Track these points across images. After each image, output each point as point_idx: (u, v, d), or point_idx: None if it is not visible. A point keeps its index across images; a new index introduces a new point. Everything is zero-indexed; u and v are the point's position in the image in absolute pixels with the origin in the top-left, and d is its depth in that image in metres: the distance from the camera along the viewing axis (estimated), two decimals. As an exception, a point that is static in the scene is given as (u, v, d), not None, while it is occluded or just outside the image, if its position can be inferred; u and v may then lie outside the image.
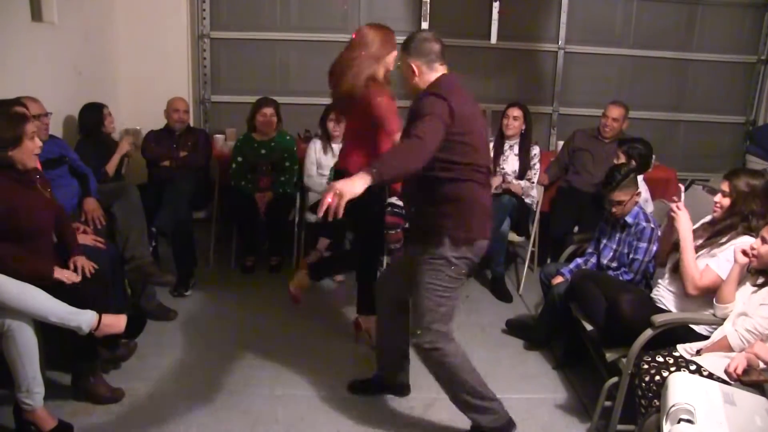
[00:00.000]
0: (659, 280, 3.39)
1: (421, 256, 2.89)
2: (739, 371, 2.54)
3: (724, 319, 2.91)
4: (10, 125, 3.00)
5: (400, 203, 4.80)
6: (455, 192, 2.82)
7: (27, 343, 2.82)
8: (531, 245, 5.04)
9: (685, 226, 3.15)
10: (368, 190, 2.59)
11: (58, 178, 3.85)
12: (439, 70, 2.90)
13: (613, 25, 5.99)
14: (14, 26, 4.13)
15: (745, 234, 3.07)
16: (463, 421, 3.16)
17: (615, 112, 5.02)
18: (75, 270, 3.20)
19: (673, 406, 2.32)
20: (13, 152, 3.00)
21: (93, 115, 4.55)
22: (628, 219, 3.72)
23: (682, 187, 3.27)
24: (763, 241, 2.79)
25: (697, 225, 3.32)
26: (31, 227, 3.08)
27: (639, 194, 3.72)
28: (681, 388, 2.42)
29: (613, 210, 3.73)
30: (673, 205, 3.22)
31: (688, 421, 2.26)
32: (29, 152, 3.06)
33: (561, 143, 5.61)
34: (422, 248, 2.89)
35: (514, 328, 4.24)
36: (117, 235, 3.99)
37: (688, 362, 2.78)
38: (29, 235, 3.06)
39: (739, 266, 2.88)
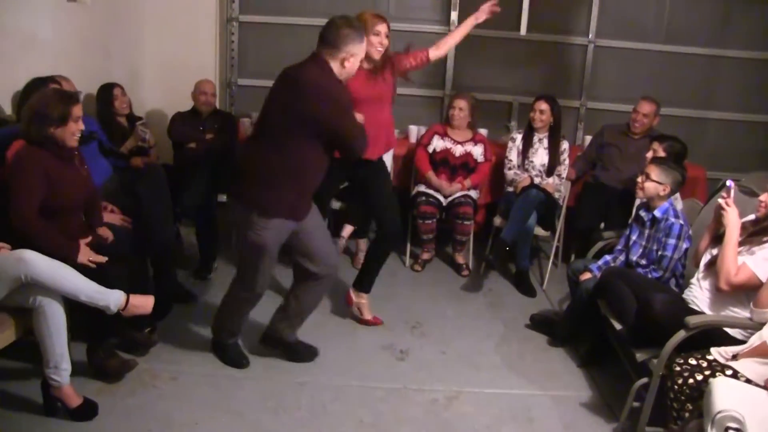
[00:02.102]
0: (692, 279, 3.34)
1: None
2: None
3: (761, 324, 2.84)
4: (60, 104, 3.03)
5: (432, 192, 4.80)
6: None
7: (57, 319, 2.83)
8: (556, 240, 4.99)
9: (734, 221, 3.08)
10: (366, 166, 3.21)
11: (88, 155, 3.83)
12: None
13: (645, 19, 5.87)
14: (47, 4, 4.13)
15: (788, 235, 3.01)
16: (488, 414, 3.15)
17: (646, 107, 4.95)
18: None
19: (720, 412, 2.28)
20: (56, 131, 3.03)
21: (103, 95, 4.48)
22: (657, 214, 3.67)
23: (733, 184, 3.19)
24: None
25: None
26: (66, 203, 3.13)
27: (665, 190, 3.66)
28: (727, 394, 2.37)
29: (638, 180, 3.74)
30: (722, 201, 3.15)
31: (737, 430, 2.21)
32: (71, 133, 3.09)
33: (588, 138, 5.56)
34: None
35: (537, 323, 4.20)
36: (142, 215, 3.97)
37: (723, 366, 2.72)
38: (63, 211, 3.10)
39: (781, 270, 2.82)
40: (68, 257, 2.98)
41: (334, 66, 3.06)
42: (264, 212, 3.09)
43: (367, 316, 4.09)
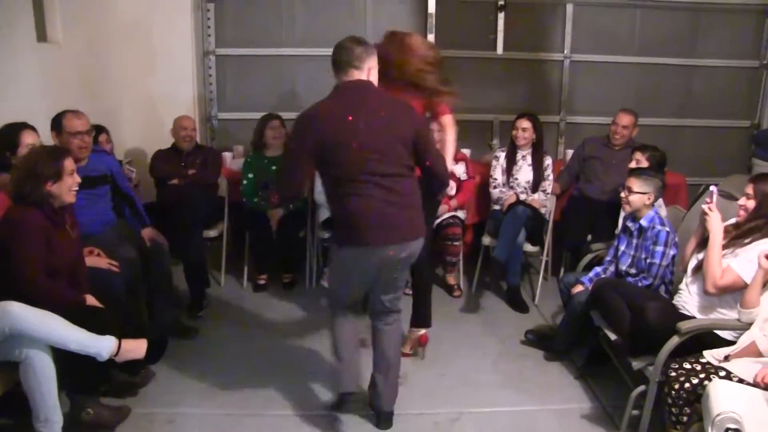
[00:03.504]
0: (680, 284, 3.38)
1: None
2: (767, 381, 2.52)
3: (750, 324, 2.89)
4: (51, 160, 3.02)
5: (461, 215, 4.85)
6: None
7: (46, 371, 2.79)
8: (545, 255, 5.01)
9: (717, 225, 3.16)
10: None
11: (95, 197, 3.85)
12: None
13: (618, 33, 5.98)
14: (20, 47, 4.13)
15: (769, 237, 3.07)
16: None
17: (625, 119, 5.02)
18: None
19: (719, 415, 2.31)
20: (52, 187, 3.02)
21: None
22: (644, 223, 3.70)
23: (716, 190, 3.26)
24: (790, 244, 2.78)
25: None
26: (57, 266, 3.08)
27: (650, 198, 3.71)
28: (724, 396, 2.41)
29: (621, 194, 3.78)
30: (705, 207, 3.23)
31: (736, 430, 2.24)
32: (67, 188, 3.08)
33: (569, 152, 5.61)
34: None
35: (533, 338, 4.21)
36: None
37: (717, 369, 2.76)
38: (53, 274, 3.06)
39: (764, 270, 2.86)
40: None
41: None
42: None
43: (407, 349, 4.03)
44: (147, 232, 4.12)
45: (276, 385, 3.65)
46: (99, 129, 4.50)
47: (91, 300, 3.09)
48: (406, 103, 3.05)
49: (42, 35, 4.43)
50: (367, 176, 2.87)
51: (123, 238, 3.92)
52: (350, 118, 2.86)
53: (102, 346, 2.87)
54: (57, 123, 3.75)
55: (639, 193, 3.69)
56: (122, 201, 4.09)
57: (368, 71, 2.98)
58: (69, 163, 3.08)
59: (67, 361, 2.88)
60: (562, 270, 5.07)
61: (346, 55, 2.94)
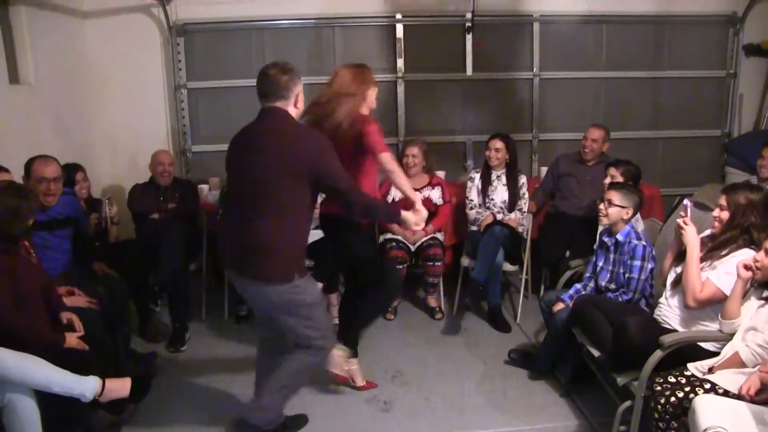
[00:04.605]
0: (660, 299, 3.40)
1: None
2: (752, 392, 2.53)
3: (731, 335, 2.92)
4: (17, 221, 3.07)
5: (439, 236, 4.92)
6: None
7: (29, 415, 2.76)
8: (524, 273, 5.03)
9: (693, 239, 3.18)
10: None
11: (56, 239, 3.83)
12: None
13: (585, 48, 6.05)
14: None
15: (746, 247, 3.10)
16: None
17: (595, 133, 5.07)
18: (69, 326, 3.19)
19: (706, 430, 2.31)
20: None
21: (65, 175, 4.17)
22: (620, 237, 3.73)
23: (690, 204, 3.28)
24: (767, 253, 2.80)
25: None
26: (23, 293, 3.03)
27: (628, 213, 3.74)
28: (710, 410, 2.42)
29: (600, 207, 3.80)
30: (680, 221, 3.25)
31: (724, 443, 2.26)
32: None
33: (543, 169, 5.66)
34: None
35: (516, 358, 4.22)
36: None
37: (701, 381, 2.77)
38: (27, 300, 3.03)
39: (743, 281, 2.89)
40: (57, 344, 2.97)
41: (292, 111, 3.05)
42: (299, 273, 3.02)
43: (360, 382, 3.94)
44: (98, 266, 4.13)
45: None
46: (75, 168, 4.46)
47: (71, 339, 3.05)
48: (310, 137, 3.02)
49: (14, 77, 4.42)
50: (234, 203, 3.05)
51: (85, 275, 3.95)
52: (243, 144, 3.04)
53: (86, 387, 2.84)
54: (27, 168, 3.76)
55: (618, 207, 3.72)
56: (80, 241, 4.06)
57: (295, 98, 3.04)
58: (29, 218, 3.15)
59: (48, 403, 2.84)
60: (542, 287, 5.08)
61: (269, 84, 3.00)
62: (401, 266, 4.75)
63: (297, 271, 2.99)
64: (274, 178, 2.89)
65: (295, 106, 3.04)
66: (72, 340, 3.06)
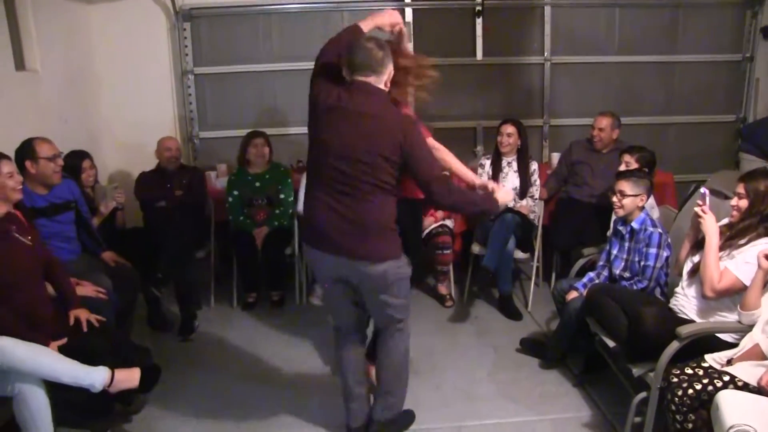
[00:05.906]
0: (677, 288, 3.34)
1: None
2: None
3: (751, 326, 2.86)
4: None
5: (449, 224, 4.84)
6: None
7: (39, 405, 2.74)
8: (536, 261, 4.98)
9: (713, 228, 3.09)
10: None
11: (57, 224, 3.76)
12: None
13: (597, 33, 5.96)
14: (-1, 76, 4.07)
15: (765, 236, 3.02)
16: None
17: (602, 122, 4.98)
18: (77, 325, 3.13)
19: (732, 427, 2.26)
20: None
21: (70, 165, 4.14)
22: (635, 225, 3.67)
23: (707, 191, 3.21)
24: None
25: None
26: (10, 279, 2.98)
27: (642, 200, 3.68)
28: (735, 407, 2.36)
29: (614, 199, 3.73)
30: (698, 209, 3.17)
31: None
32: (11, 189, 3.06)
33: (554, 155, 5.59)
34: None
35: (528, 346, 4.17)
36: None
37: (720, 373, 2.71)
38: (14, 287, 2.97)
39: (763, 271, 2.82)
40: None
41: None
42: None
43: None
44: (108, 256, 4.04)
45: (271, 406, 3.61)
46: (82, 155, 4.39)
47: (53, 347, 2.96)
48: (400, 118, 2.92)
49: (20, 64, 4.37)
50: (330, 181, 2.87)
51: (93, 266, 3.87)
52: (342, 124, 2.84)
53: (95, 377, 2.82)
54: (28, 151, 3.61)
55: (632, 196, 3.65)
56: (83, 228, 3.98)
57: (387, 76, 2.91)
58: (5, 166, 3.10)
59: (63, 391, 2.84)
60: (553, 275, 5.04)
61: (365, 58, 2.84)
62: (448, 251, 4.85)
63: (400, 247, 3.02)
64: (379, 160, 2.81)
65: (384, 85, 2.94)
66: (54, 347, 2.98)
